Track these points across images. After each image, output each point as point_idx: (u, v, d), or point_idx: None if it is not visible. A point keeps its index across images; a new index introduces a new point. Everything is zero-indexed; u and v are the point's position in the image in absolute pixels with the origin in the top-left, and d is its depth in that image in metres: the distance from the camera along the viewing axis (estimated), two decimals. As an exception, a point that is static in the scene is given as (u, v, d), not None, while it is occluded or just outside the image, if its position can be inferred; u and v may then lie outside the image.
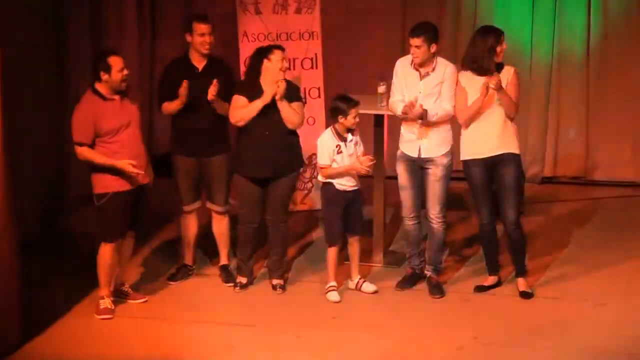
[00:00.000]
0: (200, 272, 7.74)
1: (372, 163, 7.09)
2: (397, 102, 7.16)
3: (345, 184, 7.14)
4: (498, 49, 6.95)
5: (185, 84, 7.10)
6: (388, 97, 7.38)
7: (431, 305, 7.13)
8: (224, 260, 7.67)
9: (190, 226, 7.58)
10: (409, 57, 7.16)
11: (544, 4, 9.97)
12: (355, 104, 7.04)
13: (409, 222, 7.35)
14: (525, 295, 7.17)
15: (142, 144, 6.90)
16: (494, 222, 7.20)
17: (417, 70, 7.09)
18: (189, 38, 7.35)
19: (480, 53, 6.98)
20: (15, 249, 6.35)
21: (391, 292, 7.33)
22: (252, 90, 7.10)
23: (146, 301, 7.08)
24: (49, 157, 8.86)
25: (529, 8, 10.01)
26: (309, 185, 9.19)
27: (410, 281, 7.41)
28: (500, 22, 9.49)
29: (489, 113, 6.99)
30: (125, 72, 6.70)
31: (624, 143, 10.12)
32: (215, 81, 7.08)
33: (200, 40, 7.29)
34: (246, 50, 8.56)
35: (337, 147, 7.09)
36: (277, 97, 7.02)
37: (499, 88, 6.90)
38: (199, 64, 7.37)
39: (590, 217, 8.85)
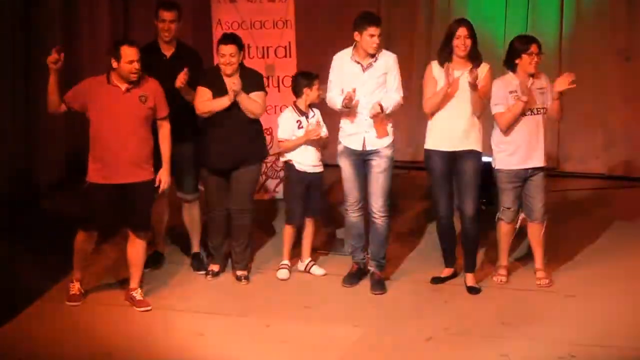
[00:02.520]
0: (172, 260, 7.73)
1: (320, 127, 7.22)
2: (336, 95, 7.04)
3: (305, 165, 7.28)
4: (454, 42, 6.91)
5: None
6: None
7: (402, 296, 7.14)
8: (195, 248, 7.66)
9: (161, 214, 7.56)
10: (347, 51, 7.09)
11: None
12: (316, 76, 7.30)
13: (353, 215, 7.24)
14: (473, 290, 7.15)
15: (129, 144, 6.63)
16: (452, 215, 7.21)
17: (359, 63, 7.03)
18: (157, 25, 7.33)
19: (441, 44, 7.01)
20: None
21: (362, 282, 7.32)
22: (216, 82, 7.10)
23: (150, 309, 6.84)
24: (17, 143, 8.81)
25: (503, 0, 10.04)
26: (282, 174, 9.18)
27: (356, 276, 7.32)
28: (474, 14, 9.52)
29: (456, 107, 6.97)
30: (136, 65, 6.60)
31: (594, 135, 10.18)
32: (185, 69, 7.04)
33: (161, 26, 7.28)
34: (220, 39, 8.54)
35: (297, 122, 7.28)
36: (233, 95, 7.00)
37: (474, 86, 6.87)
38: (167, 51, 7.35)
39: (560, 208, 8.88)
